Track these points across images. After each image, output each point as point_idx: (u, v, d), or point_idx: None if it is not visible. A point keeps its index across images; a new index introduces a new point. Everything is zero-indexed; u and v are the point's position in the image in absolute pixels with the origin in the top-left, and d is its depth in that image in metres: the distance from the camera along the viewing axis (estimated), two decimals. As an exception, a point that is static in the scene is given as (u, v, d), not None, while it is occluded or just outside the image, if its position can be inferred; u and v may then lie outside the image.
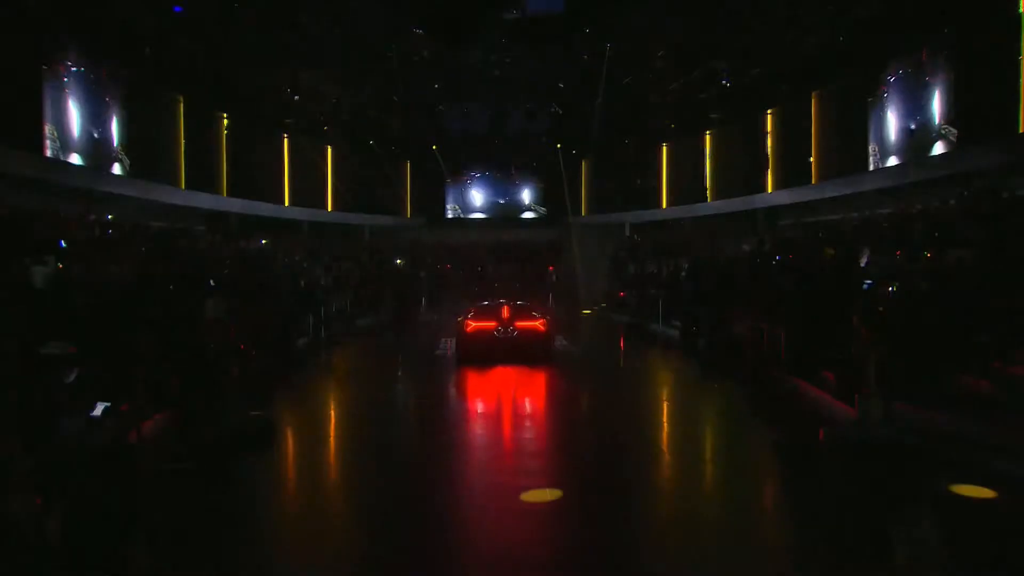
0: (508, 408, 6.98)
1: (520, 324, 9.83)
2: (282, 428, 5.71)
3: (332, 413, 6.90)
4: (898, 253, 7.17)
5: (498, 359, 9.60)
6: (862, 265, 7.83)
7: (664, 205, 19.23)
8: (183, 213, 13.47)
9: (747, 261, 10.29)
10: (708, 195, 17.72)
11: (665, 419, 6.50)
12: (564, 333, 12.98)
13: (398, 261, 20.33)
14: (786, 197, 14.70)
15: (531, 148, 19.90)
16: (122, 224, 8.50)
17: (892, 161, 11.67)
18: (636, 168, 18.60)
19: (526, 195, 21.06)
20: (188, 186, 13.83)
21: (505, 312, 10.16)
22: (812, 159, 14.10)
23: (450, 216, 21.37)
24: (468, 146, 20.04)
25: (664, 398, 7.72)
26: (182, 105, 13.88)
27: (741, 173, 16.02)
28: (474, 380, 8.48)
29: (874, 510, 3.93)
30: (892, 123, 11.70)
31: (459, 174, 21.32)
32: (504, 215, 21.22)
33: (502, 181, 21.27)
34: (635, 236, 19.92)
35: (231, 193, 15.23)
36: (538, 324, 9.87)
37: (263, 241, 13.53)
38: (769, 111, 15.50)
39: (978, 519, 3.72)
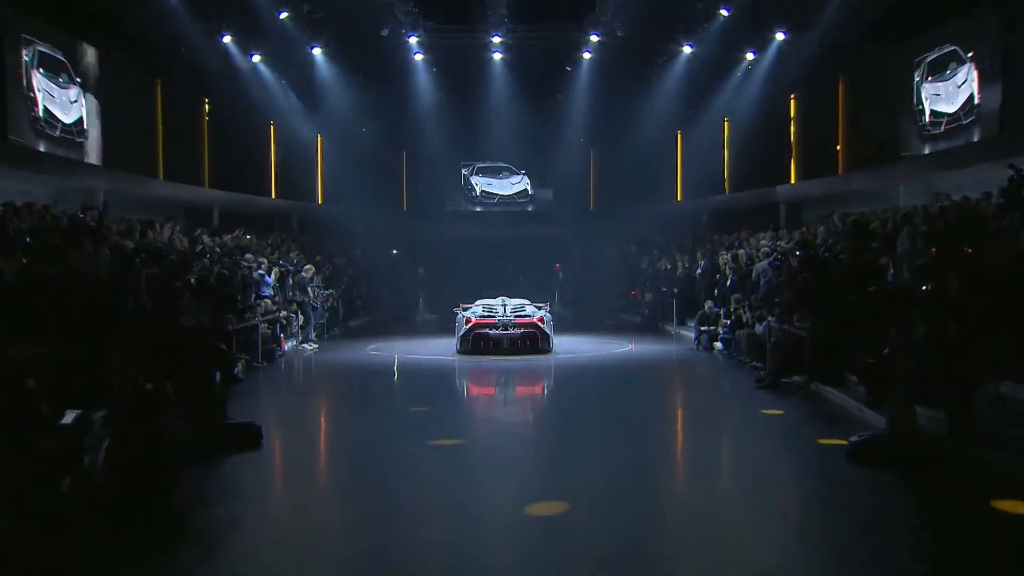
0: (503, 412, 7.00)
1: (520, 320, 10.45)
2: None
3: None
4: (932, 250, 7.12)
5: (497, 352, 10.10)
6: (893, 262, 7.79)
7: (679, 197, 19.20)
8: (161, 206, 13.48)
9: (767, 257, 10.24)
10: (726, 186, 17.65)
11: (679, 419, 6.56)
12: (568, 333, 13.04)
13: (394, 251, 20.33)
14: (810, 188, 14.61)
15: (537, 137, 19.89)
16: (99, 215, 8.53)
17: (926, 149, 11.61)
18: (649, 158, 18.52)
19: (531, 188, 21.01)
20: (167, 177, 13.88)
21: (505, 307, 10.72)
22: (839, 147, 14.00)
23: (449, 209, 21.41)
24: (469, 136, 20.07)
25: (676, 400, 7.76)
26: (159, 88, 13.91)
27: (761, 162, 15.94)
28: (473, 378, 8.48)
29: (917, 525, 3.90)
30: (927, 107, 11.61)
31: (459, 164, 21.35)
32: (507, 209, 21.23)
33: (505, 172, 21.29)
34: (647, 230, 19.95)
35: (214, 185, 15.23)
36: (537, 320, 10.47)
37: (247, 236, 13.54)
38: (792, 95, 15.39)
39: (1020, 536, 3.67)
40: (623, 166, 19.44)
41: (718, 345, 10.52)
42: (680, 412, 7.41)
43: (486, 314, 10.83)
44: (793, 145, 15.52)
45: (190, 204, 14.51)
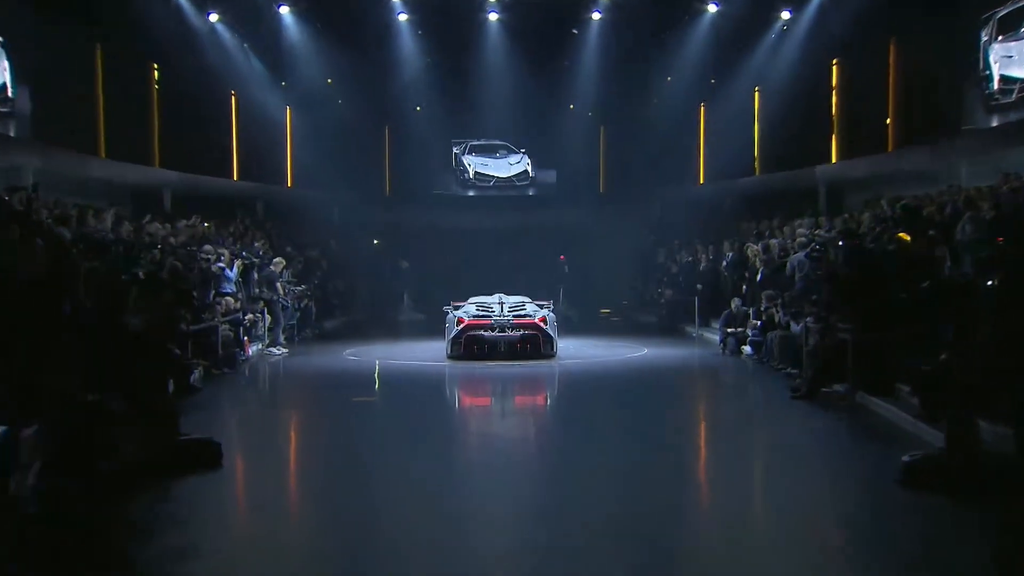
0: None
1: (519, 320, 10.54)
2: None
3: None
4: (1000, 239, 7.07)
5: (492, 357, 10.16)
6: (952, 253, 7.74)
7: (702, 180, 19.17)
8: (103, 188, 13.37)
9: (804, 248, 10.23)
10: (756, 167, 17.62)
11: (702, 435, 6.54)
12: (574, 336, 13.03)
13: (375, 242, 20.27)
14: (854, 169, 14.57)
15: (539, 111, 19.85)
16: (29, 198, 8.43)
17: (993, 122, 11.36)
18: (667, 134, 18.48)
19: (531, 169, 21.00)
20: (110, 155, 13.75)
21: (502, 306, 10.82)
22: (888, 120, 13.92)
23: (438, 193, 21.41)
24: (461, 109, 20.02)
25: (700, 413, 7.73)
26: (100, 52, 13.75)
27: (798, 139, 15.88)
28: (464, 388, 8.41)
29: (980, 560, 3.85)
30: (995, 72, 11.18)
31: (450, 142, 21.33)
32: (505, 192, 21.23)
33: (502, 151, 21.29)
34: (666, 218, 19.93)
35: (165, 164, 15.15)
36: (538, 320, 10.55)
37: (205, 224, 13.47)
38: (835, 61, 15.31)
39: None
40: (638, 144, 19.37)
41: (746, 349, 10.55)
42: (703, 427, 7.41)
43: (480, 314, 10.88)
44: (835, 119, 15.43)
45: (137, 187, 14.39)
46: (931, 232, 8.26)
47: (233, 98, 17.25)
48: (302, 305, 13.63)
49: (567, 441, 6.51)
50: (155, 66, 15.28)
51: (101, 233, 9.36)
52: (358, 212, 19.63)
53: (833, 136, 15.44)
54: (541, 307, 11.39)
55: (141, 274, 7.96)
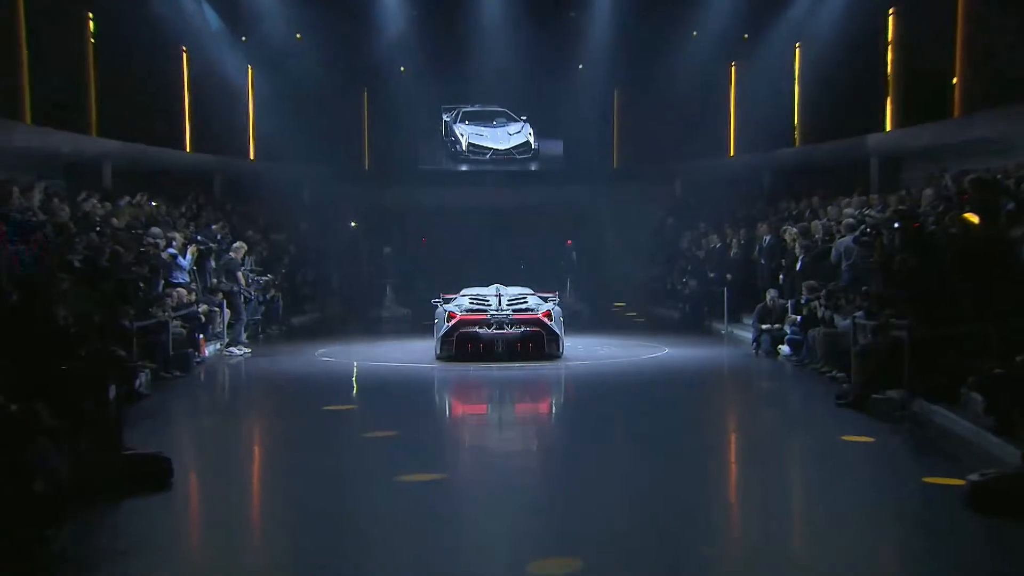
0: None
1: (520, 315, 10.66)
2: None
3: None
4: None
5: (489, 358, 10.31)
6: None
7: (732, 152, 19.09)
8: (30, 159, 13.22)
9: (852, 231, 10.22)
10: (796, 137, 17.55)
11: (732, 449, 6.50)
12: (583, 333, 13.02)
13: (352, 224, 20.20)
14: (914, 138, 14.48)
15: (543, 72, 19.73)
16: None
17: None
18: (692, 99, 18.34)
19: (534, 139, 20.91)
20: (37, 120, 13.60)
21: (500, 299, 10.96)
22: (955, 80, 13.80)
23: (426, 168, 21.35)
24: (452, 70, 19.90)
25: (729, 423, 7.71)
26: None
27: (846, 103, 15.79)
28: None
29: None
30: None
31: (439, 108, 21.24)
32: (503, 167, 21.17)
33: (500, 119, 21.21)
34: (690, 197, 19.88)
35: (104, 132, 15.03)
36: (541, 316, 10.65)
37: (153, 203, 13.40)
38: (891, 10, 15.15)
39: None
40: (657, 111, 19.36)
41: (784, 349, 10.56)
42: (733, 439, 7.37)
43: (475, 308, 10.98)
44: (891, 79, 15.33)
45: (72, 158, 14.26)
46: (1009, 206, 8.19)
47: (184, 56, 17.13)
48: (267, 298, 13.67)
49: (576, 458, 6.48)
50: (90, 16, 15.13)
51: (27, 213, 9.30)
52: (332, 190, 19.60)
53: (888, 100, 15.36)
54: (545, 300, 11.48)
55: (76, 261, 7.92)
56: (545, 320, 10.66)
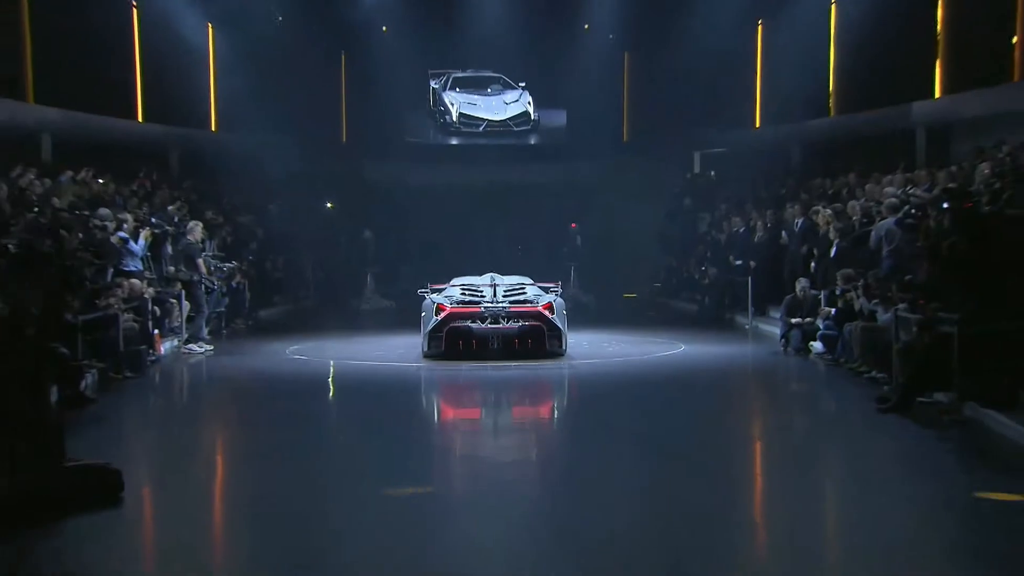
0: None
1: (517, 308, 10.68)
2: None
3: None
4: None
5: (483, 356, 10.39)
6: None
7: (757, 124, 19.10)
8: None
9: (894, 212, 10.24)
10: (831, 105, 17.51)
11: (758, 461, 6.47)
12: (589, 328, 12.98)
13: (328, 205, 20.17)
14: (965, 106, 14.41)
15: (542, 33, 19.63)
16: None
17: None
18: (712, 64, 18.30)
19: (533, 109, 20.88)
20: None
21: (495, 289, 11.02)
22: (1015, 40, 13.71)
23: (412, 141, 21.29)
24: (441, 31, 19.78)
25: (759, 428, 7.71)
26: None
27: (889, 67, 15.75)
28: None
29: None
30: None
31: (426, 74, 21.14)
32: (499, 140, 21.14)
33: (495, 86, 21.14)
34: (710, 173, 19.86)
35: (43, 99, 14.85)
36: (542, 308, 10.71)
37: (100, 180, 13.34)
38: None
39: None
40: (673, 77, 19.27)
41: (816, 346, 10.55)
42: (759, 449, 7.33)
43: (467, 299, 11.03)
44: (940, 39, 15.27)
45: (5, 129, 14.17)
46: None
47: (134, 11, 17.01)
48: (232, 287, 13.67)
49: (580, 471, 6.44)
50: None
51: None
52: (305, 165, 19.60)
53: (937, 63, 15.32)
54: (546, 291, 11.54)
55: (11, 246, 7.87)
56: (546, 313, 10.72)
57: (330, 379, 10.23)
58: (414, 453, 6.79)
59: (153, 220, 12.27)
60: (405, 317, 13.41)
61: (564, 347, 10.83)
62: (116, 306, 9.57)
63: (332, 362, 11.05)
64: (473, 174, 20.80)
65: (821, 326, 10.49)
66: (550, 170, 20.97)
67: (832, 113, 17.42)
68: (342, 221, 20.30)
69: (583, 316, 14.51)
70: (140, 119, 17.41)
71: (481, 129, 21.03)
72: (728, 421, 8.21)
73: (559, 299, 11.28)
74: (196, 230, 12.48)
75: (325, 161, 20.14)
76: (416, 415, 8.58)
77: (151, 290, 10.79)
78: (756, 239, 14.54)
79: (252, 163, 17.93)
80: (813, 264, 11.90)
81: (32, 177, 11.64)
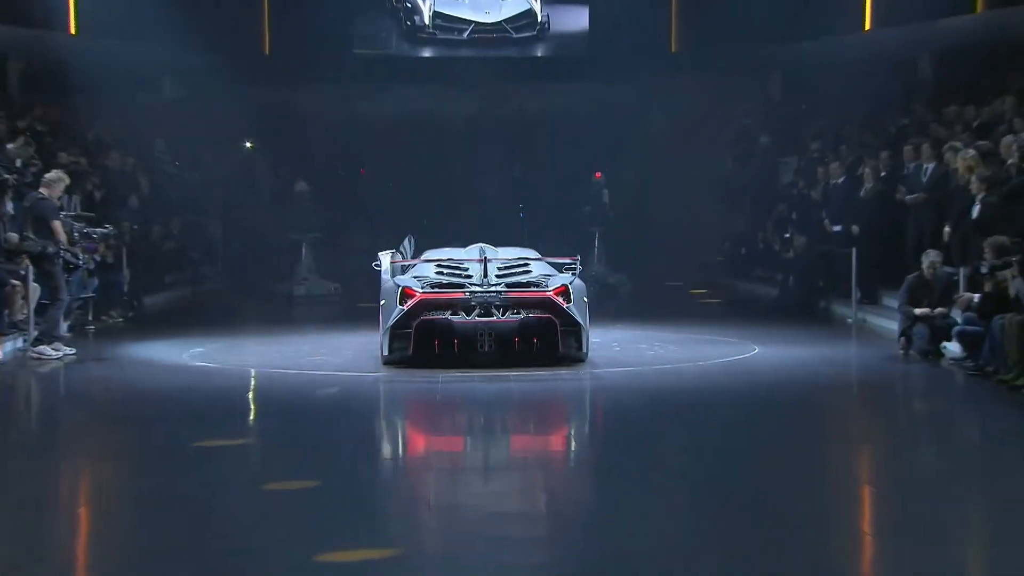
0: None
1: (516, 292, 10.71)
2: None
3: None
4: None
5: (467, 362, 10.61)
6: None
7: (867, 26, 19.09)
8: None
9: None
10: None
11: (866, 516, 6.43)
12: (620, 322, 12.89)
13: (248, 144, 20.40)
14: None
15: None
16: None
17: None
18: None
19: (540, 7, 21.11)
20: None
21: (485, 266, 10.96)
22: None
23: (364, 53, 21.36)
24: None
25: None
26: None
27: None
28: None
29: None
30: None
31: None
32: (491, 50, 21.17)
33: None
34: (797, 101, 19.84)
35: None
36: (552, 294, 10.79)
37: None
38: None
39: None
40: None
41: (950, 347, 10.73)
42: (867, 499, 7.26)
43: (445, 280, 11.15)
44: None
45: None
46: None
47: None
48: (103, 263, 13.71)
49: (606, 534, 6.33)
50: None
51: None
52: (212, 88, 19.70)
53: None
54: (559, 269, 11.69)
55: None
56: (559, 300, 10.77)
57: (249, 395, 10.38)
58: (368, 503, 6.83)
59: (-13, 166, 12.34)
60: (356, 306, 13.43)
61: (585, 349, 10.94)
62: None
63: (252, 372, 11.20)
64: (454, 101, 20.94)
65: (959, 319, 10.59)
66: (565, 94, 21.18)
67: (979, 8, 17.42)
68: (264, 168, 20.36)
69: (612, 304, 14.64)
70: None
71: (466, 36, 21.15)
72: (825, 464, 8.10)
73: (577, 280, 11.34)
74: (58, 184, 12.36)
75: (239, 80, 20.20)
76: (372, 449, 8.66)
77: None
78: (863, 194, 14.64)
79: (131, 83, 18.08)
80: (947, 230, 12.00)
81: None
